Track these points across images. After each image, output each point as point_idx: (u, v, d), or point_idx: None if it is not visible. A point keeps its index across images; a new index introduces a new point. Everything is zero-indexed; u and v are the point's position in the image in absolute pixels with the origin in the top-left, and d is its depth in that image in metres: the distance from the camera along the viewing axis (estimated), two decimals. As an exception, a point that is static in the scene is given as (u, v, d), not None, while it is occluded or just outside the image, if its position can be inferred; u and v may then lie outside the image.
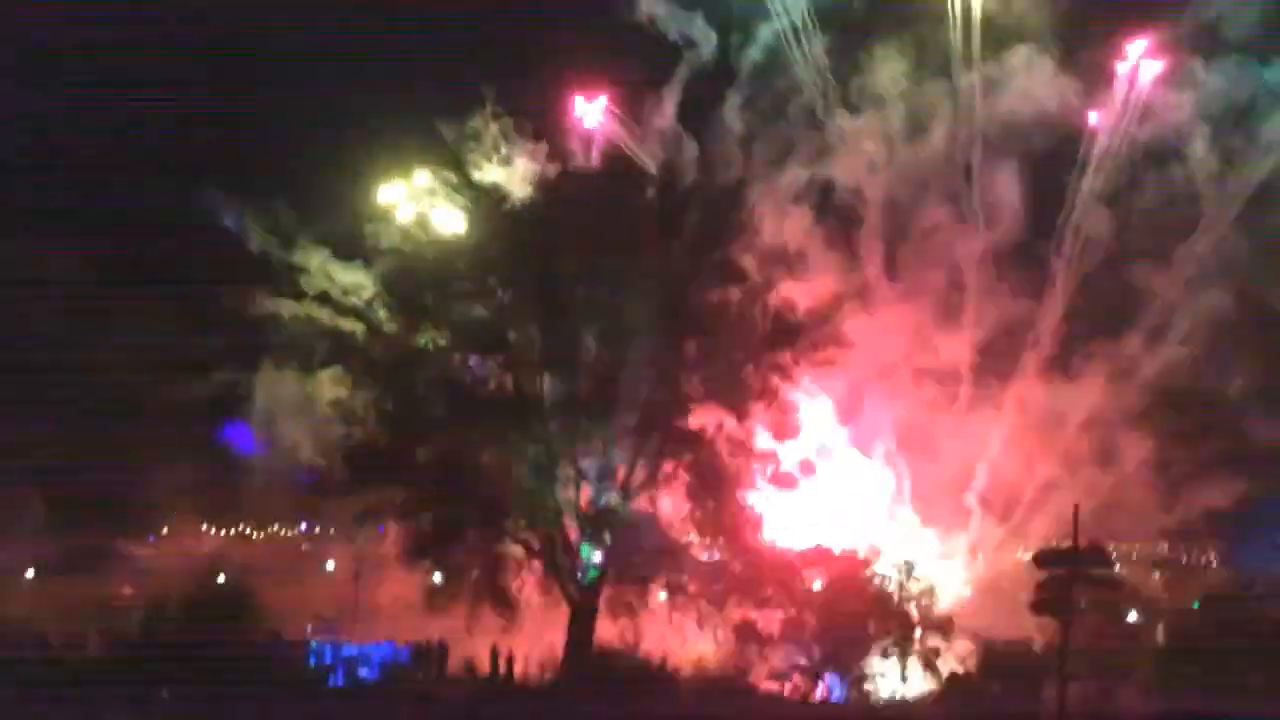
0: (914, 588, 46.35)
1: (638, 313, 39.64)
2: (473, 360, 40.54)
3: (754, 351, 40.37)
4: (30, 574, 52.71)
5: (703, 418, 40.53)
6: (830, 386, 52.55)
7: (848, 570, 46.06)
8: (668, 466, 40.57)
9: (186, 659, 37.97)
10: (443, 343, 40.52)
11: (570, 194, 41.06)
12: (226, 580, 47.45)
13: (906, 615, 45.71)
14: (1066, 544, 41.01)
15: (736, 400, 40.09)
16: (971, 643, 46.63)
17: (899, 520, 58.61)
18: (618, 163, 43.29)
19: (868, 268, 56.58)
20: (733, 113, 57.59)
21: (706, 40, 57.63)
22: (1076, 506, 41.02)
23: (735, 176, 46.36)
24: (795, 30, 57.81)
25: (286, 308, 49.11)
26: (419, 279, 41.78)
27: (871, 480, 58.17)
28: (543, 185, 41.77)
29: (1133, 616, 50.08)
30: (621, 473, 40.41)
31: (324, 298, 48.00)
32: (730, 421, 40.28)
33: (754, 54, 57.96)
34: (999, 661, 44.58)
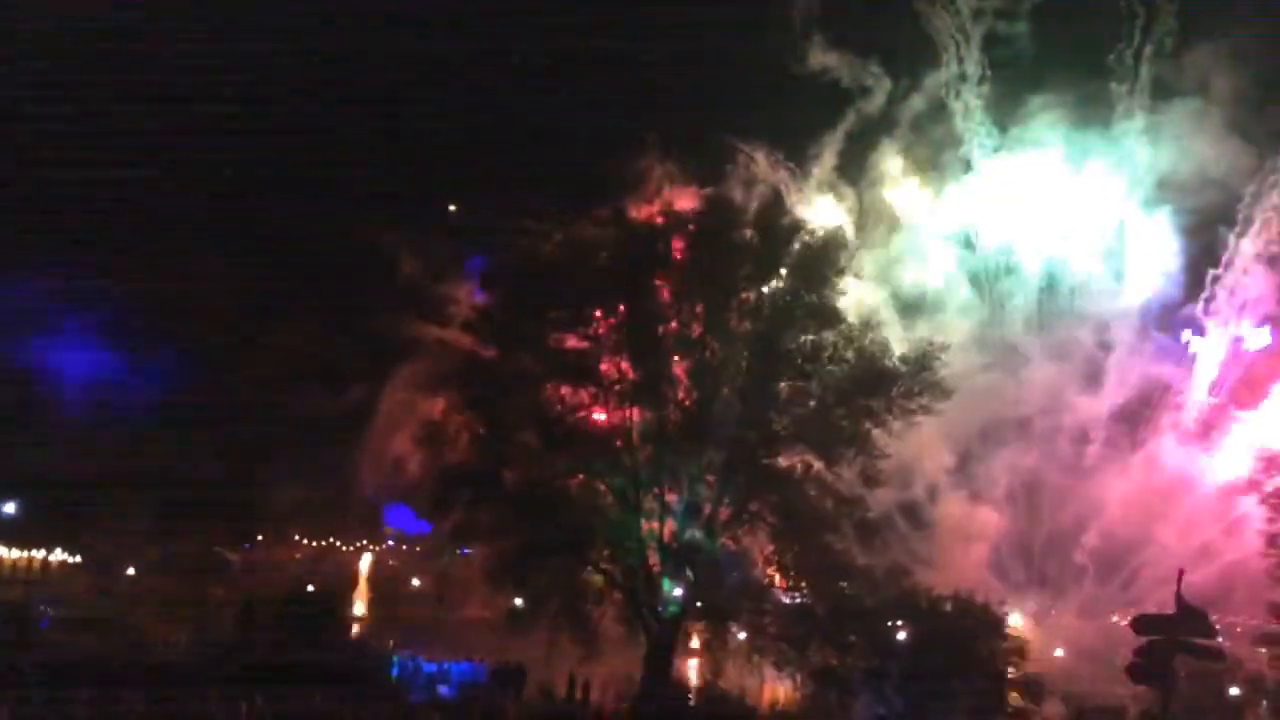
0: (1006, 644, 45.04)
1: (730, 350, 39.67)
2: (564, 389, 40.77)
3: (846, 395, 39.91)
4: (131, 571, 54.69)
5: (791, 458, 40.30)
6: (953, 430, 51.95)
7: (937, 622, 45.06)
8: (753, 505, 40.31)
9: (275, 663, 38.78)
10: (537, 370, 40.89)
11: (668, 230, 41.07)
12: (316, 590, 48.59)
13: (996, 672, 44.43)
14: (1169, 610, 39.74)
15: (826, 443, 39.68)
16: (1062, 705, 45.36)
17: (997, 572, 57.50)
18: (719, 202, 43.22)
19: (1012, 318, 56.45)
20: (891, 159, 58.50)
21: (878, 87, 58.35)
22: (1181, 571, 39.67)
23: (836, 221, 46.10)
24: (961, 78, 58.24)
25: (430, 332, 50.52)
26: (518, 307, 42.17)
27: (976, 529, 57.25)
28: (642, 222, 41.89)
29: (1235, 691, 48.28)
30: (707, 509, 40.25)
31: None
32: (818, 464, 39.93)
33: (918, 103, 58.64)
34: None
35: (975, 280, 61.26)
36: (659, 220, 41.55)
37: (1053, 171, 59.08)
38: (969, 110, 59.63)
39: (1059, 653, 51.48)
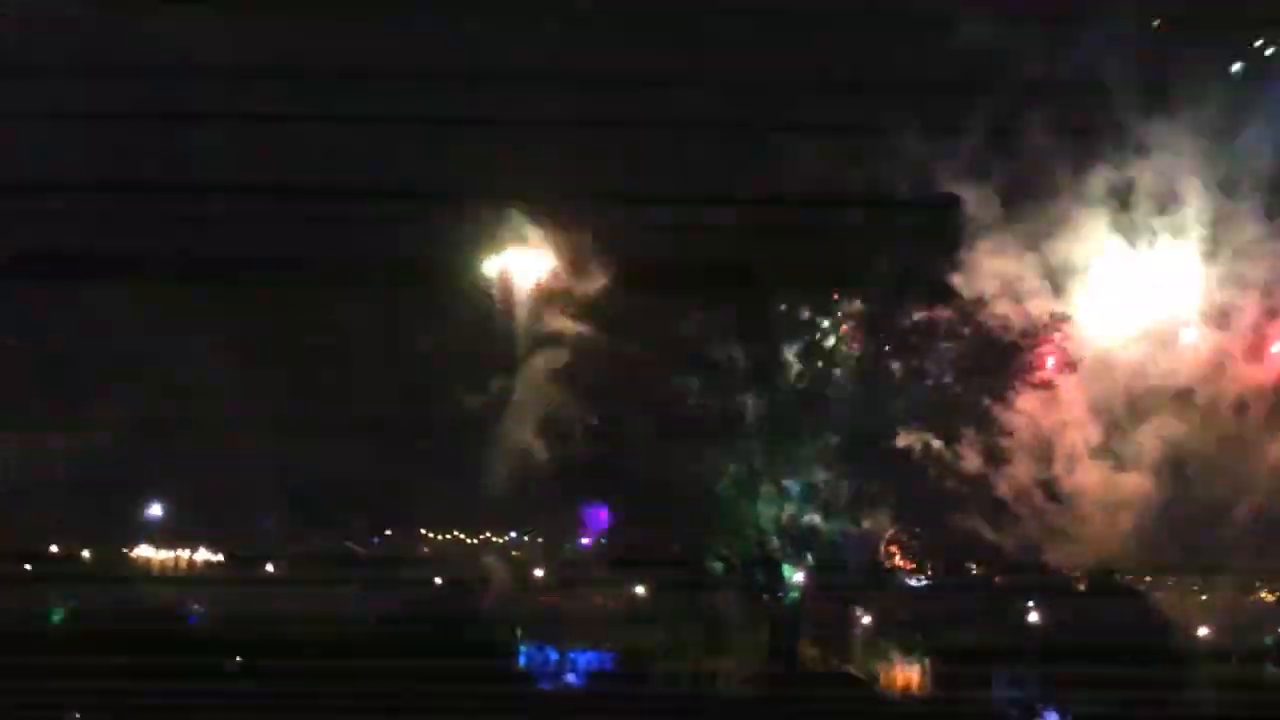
0: (1147, 624, 43.68)
1: (841, 330, 39.21)
2: (675, 377, 40.81)
3: (963, 372, 39.05)
4: (270, 567, 56.58)
5: (909, 438, 39.66)
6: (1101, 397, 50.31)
7: (1070, 604, 43.93)
8: (872, 487, 39.87)
9: (410, 655, 39.81)
10: (648, 358, 41.00)
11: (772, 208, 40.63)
12: (444, 582, 49.50)
13: (1138, 651, 43.05)
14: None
15: (944, 422, 38.93)
16: (1212, 685, 43.67)
17: (1139, 543, 55.47)
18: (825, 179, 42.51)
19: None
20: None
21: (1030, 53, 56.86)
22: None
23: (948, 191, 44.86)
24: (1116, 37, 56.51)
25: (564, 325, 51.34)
26: (629, 295, 42.32)
27: (1122, 500, 55.29)
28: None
29: None
30: (824, 492, 39.98)
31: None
32: (938, 444, 39.18)
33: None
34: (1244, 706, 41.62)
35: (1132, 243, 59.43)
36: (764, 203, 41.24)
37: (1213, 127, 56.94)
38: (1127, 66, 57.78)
39: (1203, 631, 49.47)
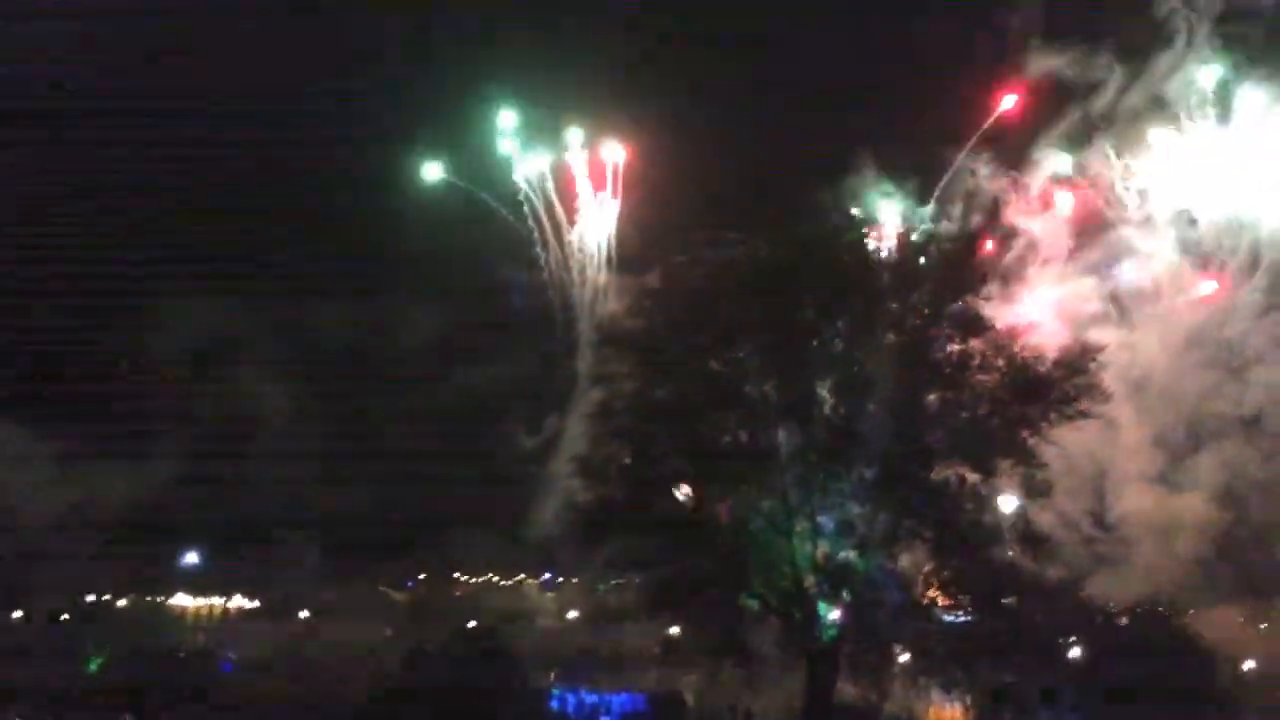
0: (1192, 658, 42.92)
1: (876, 365, 38.88)
2: (710, 414, 40.54)
3: (998, 404, 38.62)
4: (304, 614, 56.62)
5: (945, 471, 39.16)
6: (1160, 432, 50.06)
7: (1112, 638, 43.23)
8: (908, 522, 39.19)
9: (444, 700, 39.58)
10: (683, 396, 40.77)
11: (807, 245, 40.58)
12: (478, 626, 49.37)
13: (1185, 687, 42.32)
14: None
15: (981, 454, 38.39)
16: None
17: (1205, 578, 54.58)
18: (851, 215, 42.59)
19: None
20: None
21: (1107, 81, 58.06)
22: None
23: (979, 224, 44.86)
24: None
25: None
26: (660, 333, 42.20)
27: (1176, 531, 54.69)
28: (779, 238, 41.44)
29: None
30: (860, 528, 39.28)
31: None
32: (975, 477, 38.67)
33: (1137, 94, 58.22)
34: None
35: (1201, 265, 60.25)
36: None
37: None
38: (1191, 85, 58.84)
39: (1249, 665, 48.54)
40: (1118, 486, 56.02)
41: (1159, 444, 56.73)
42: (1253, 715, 43.39)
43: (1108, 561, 50.67)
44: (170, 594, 60.32)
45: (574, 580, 54.37)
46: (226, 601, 61.03)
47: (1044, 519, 40.07)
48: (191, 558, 58.59)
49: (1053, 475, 39.54)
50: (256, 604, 60.41)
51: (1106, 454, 53.84)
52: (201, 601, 60.75)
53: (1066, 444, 40.59)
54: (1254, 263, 60.01)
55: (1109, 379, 39.56)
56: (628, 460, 40.63)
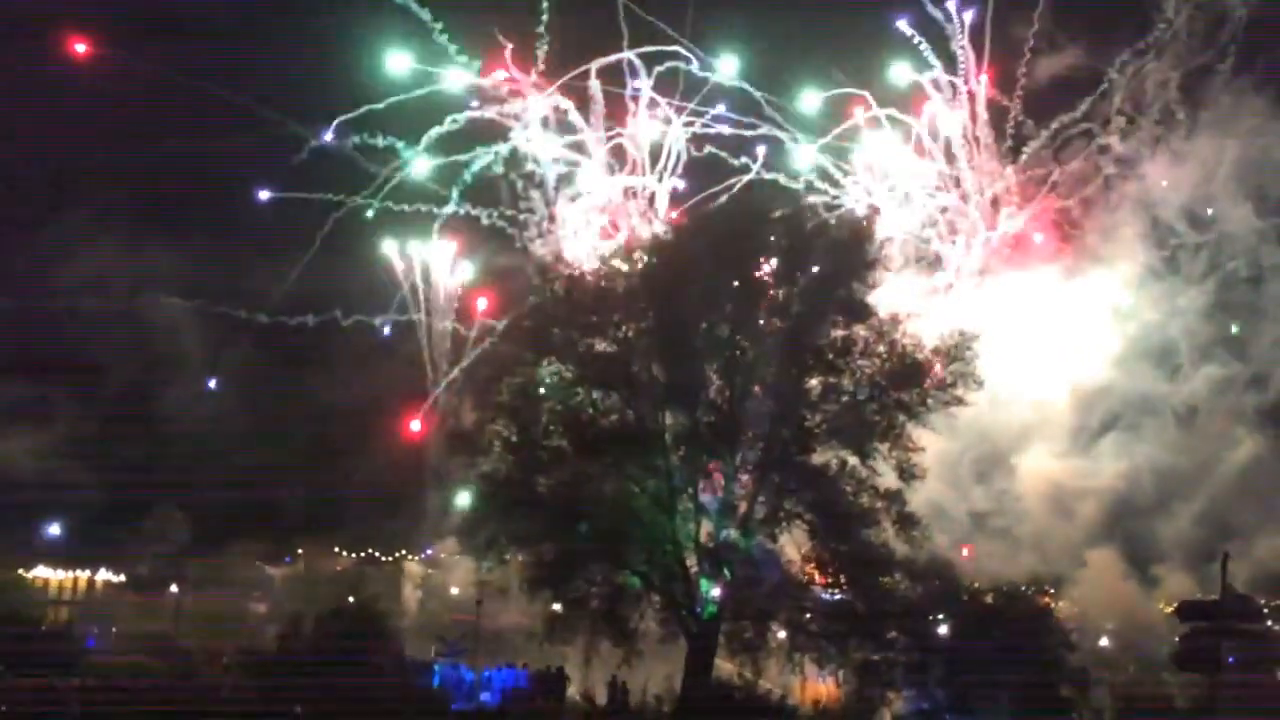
0: (1050, 635, 44.68)
1: (761, 349, 39.57)
2: (595, 393, 40.78)
3: (878, 390, 39.70)
4: (174, 589, 55.26)
5: (826, 455, 40.14)
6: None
7: (979, 614, 44.74)
8: (789, 503, 40.13)
9: (318, 676, 39.00)
10: (567, 375, 40.94)
11: (696, 231, 41.05)
12: (357, 602, 48.81)
13: (1040, 663, 44.07)
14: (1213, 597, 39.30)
15: (859, 438, 39.47)
16: (1109, 694, 44.93)
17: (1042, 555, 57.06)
18: (746, 199, 43.16)
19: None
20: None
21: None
22: (1225, 555, 39.34)
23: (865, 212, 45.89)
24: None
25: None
26: (547, 313, 42.22)
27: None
28: (670, 223, 41.91)
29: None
30: (742, 508, 40.15)
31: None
32: (854, 460, 39.74)
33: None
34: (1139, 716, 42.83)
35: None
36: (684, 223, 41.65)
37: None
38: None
39: (1103, 642, 51.03)
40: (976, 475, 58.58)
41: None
42: (1100, 689, 45.45)
43: (970, 546, 52.95)
44: (31, 566, 58.30)
45: (456, 557, 54.20)
46: (92, 575, 59.26)
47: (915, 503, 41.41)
48: (54, 529, 56.72)
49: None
50: (122, 578, 58.84)
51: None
52: (64, 575, 58.89)
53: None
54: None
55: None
56: (513, 438, 40.78)
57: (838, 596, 41.46)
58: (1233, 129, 61.05)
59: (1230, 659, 41.69)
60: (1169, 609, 52.61)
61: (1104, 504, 58.66)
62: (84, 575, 59.36)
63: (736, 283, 40.14)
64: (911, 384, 39.58)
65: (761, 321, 40.23)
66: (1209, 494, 57.83)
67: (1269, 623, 49.50)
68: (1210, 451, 59.36)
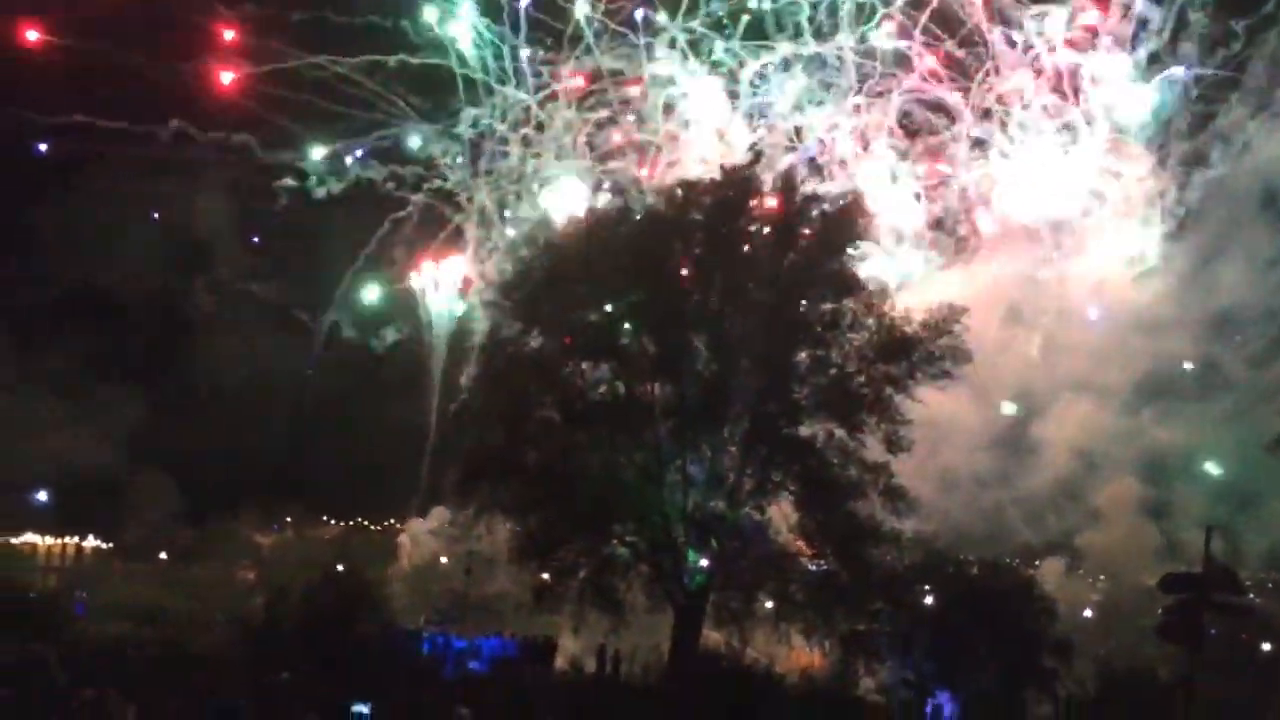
0: (1034, 606, 44.97)
1: (749, 322, 39.60)
2: (584, 364, 40.80)
3: (865, 362, 39.78)
4: (163, 556, 55.32)
5: (813, 427, 40.24)
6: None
7: (963, 587, 45.02)
8: (776, 475, 40.29)
9: (306, 643, 39.12)
10: (555, 346, 40.93)
11: (685, 202, 40.94)
12: (346, 570, 48.92)
13: (1024, 635, 44.41)
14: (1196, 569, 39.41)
15: (847, 410, 39.56)
16: (1092, 666, 45.30)
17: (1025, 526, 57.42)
18: (735, 171, 42.90)
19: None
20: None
21: None
22: (1209, 528, 39.49)
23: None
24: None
25: None
26: (535, 283, 42.15)
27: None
28: (659, 193, 41.79)
29: (1266, 647, 48.11)
30: (730, 479, 40.32)
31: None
32: (841, 432, 39.86)
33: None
34: (1121, 687, 43.16)
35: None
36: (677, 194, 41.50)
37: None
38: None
39: (1087, 614, 51.37)
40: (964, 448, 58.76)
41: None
42: (1082, 659, 45.85)
43: (957, 519, 53.07)
44: (18, 533, 58.27)
45: (446, 526, 54.27)
46: (80, 541, 59.25)
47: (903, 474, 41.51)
48: (42, 495, 56.62)
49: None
50: (111, 545, 58.84)
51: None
52: (53, 541, 58.87)
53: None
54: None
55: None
56: (502, 408, 40.78)
57: (824, 568, 41.72)
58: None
59: (1213, 631, 41.93)
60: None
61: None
62: (72, 542, 59.40)
63: (726, 253, 40.07)
64: (899, 357, 39.68)
65: (751, 294, 40.18)
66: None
67: (1251, 596, 49.92)
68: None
